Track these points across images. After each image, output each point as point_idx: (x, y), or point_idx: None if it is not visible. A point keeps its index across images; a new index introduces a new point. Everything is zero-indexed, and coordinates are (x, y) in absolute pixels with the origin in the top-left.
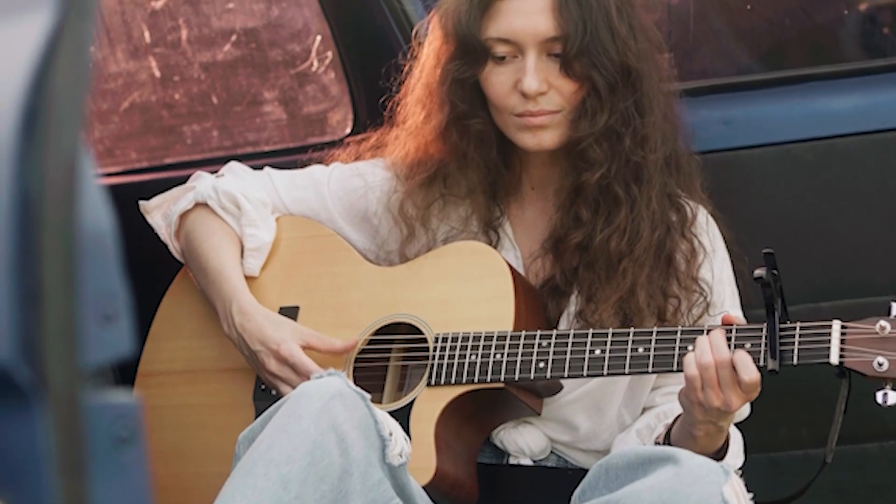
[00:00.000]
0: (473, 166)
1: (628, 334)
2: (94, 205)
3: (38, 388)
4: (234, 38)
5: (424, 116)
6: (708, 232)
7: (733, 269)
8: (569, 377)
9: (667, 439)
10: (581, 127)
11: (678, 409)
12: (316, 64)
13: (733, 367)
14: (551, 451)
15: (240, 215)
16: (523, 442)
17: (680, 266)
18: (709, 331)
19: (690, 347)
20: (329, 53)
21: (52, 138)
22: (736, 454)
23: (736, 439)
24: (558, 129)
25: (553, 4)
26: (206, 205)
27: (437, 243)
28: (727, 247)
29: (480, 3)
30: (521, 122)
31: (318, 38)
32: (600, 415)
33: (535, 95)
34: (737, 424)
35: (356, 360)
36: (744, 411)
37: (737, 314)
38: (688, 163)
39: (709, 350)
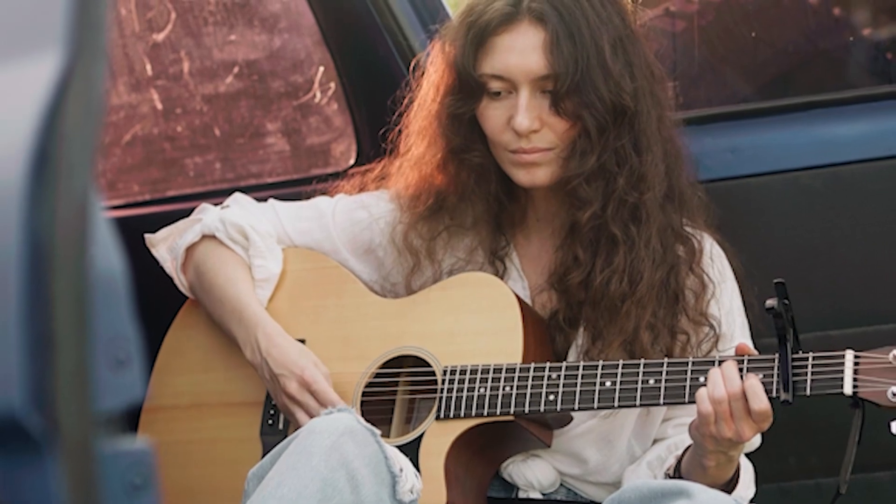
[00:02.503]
0: (475, 198)
1: (639, 366)
2: (106, 248)
3: (50, 436)
4: (236, 69)
5: (425, 147)
6: (715, 264)
7: (742, 298)
8: (579, 409)
9: (677, 471)
10: (571, 166)
11: (689, 440)
12: (319, 95)
13: (744, 397)
14: (561, 484)
15: (248, 246)
16: (532, 475)
17: (689, 302)
18: (721, 362)
19: (702, 379)
20: (332, 84)
21: (63, 181)
22: (747, 485)
23: (747, 469)
24: (551, 166)
25: (545, 42)
26: (213, 237)
27: (443, 274)
28: (735, 274)
29: (475, 38)
30: (514, 158)
31: (321, 69)
32: (610, 447)
33: (526, 133)
34: (747, 455)
35: (363, 394)
36: (755, 442)
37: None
38: (691, 198)
39: (721, 383)
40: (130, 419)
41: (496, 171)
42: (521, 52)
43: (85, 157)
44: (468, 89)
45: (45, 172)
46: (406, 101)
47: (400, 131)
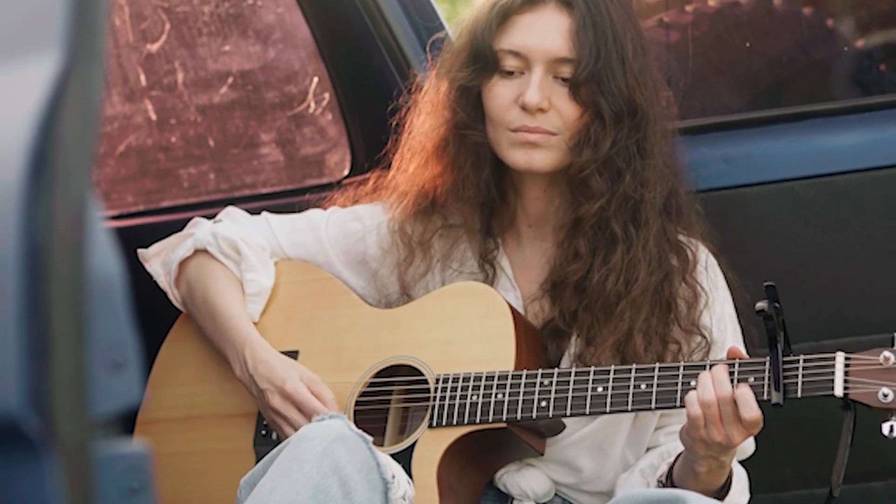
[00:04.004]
0: (468, 186)
1: (630, 371)
2: (103, 253)
3: (47, 438)
4: (230, 80)
5: (430, 123)
6: (708, 273)
7: (735, 307)
8: (571, 415)
9: (669, 478)
10: (584, 153)
11: (681, 448)
12: (313, 105)
13: (735, 403)
14: (555, 494)
15: (240, 260)
16: (527, 485)
17: (681, 311)
18: (711, 366)
19: (693, 383)
20: (326, 95)
21: (60, 185)
22: (741, 492)
23: (741, 477)
24: (551, 152)
25: (570, 27)
26: (205, 251)
27: (434, 268)
28: (729, 285)
29: (499, 13)
30: (515, 137)
31: (315, 79)
32: (604, 456)
33: (534, 111)
34: (742, 462)
35: (357, 403)
36: (748, 448)
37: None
38: (688, 212)
39: (711, 386)
40: (125, 431)
41: (492, 157)
42: (543, 31)
43: (82, 161)
44: (482, 62)
45: (42, 176)
46: (415, 81)
47: (396, 141)
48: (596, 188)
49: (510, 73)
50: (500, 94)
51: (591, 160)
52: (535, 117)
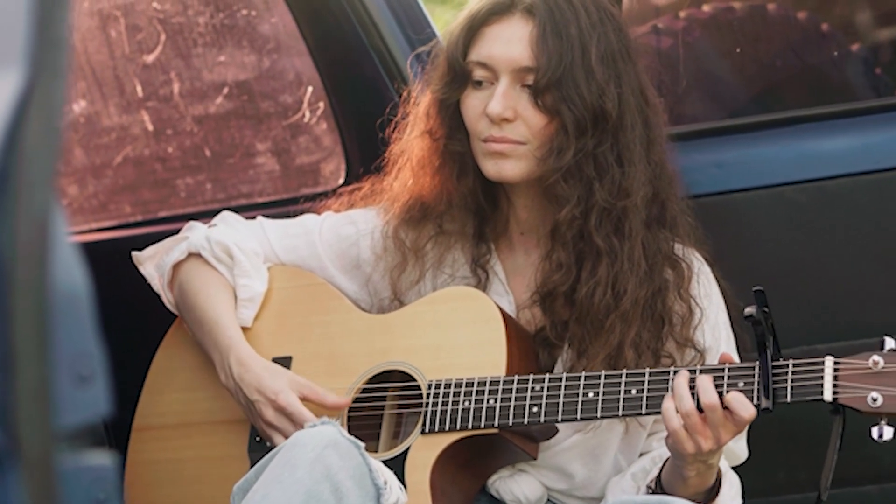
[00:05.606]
0: (456, 194)
1: (621, 376)
2: (68, 265)
3: (11, 452)
4: (226, 90)
5: (416, 135)
6: (701, 283)
7: (728, 314)
8: (562, 421)
9: (658, 483)
10: (548, 163)
11: None
12: (308, 115)
13: (726, 409)
14: (548, 500)
15: (233, 265)
16: (519, 491)
17: (675, 327)
18: (701, 371)
19: None
20: (321, 104)
21: (23, 199)
22: (733, 497)
23: (733, 483)
24: (521, 161)
25: (532, 35)
26: (199, 255)
27: (426, 275)
28: (722, 293)
29: (469, 27)
30: (485, 147)
31: (310, 88)
32: (596, 462)
33: (498, 120)
34: (735, 468)
35: (350, 409)
36: (742, 454)
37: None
38: (682, 221)
39: (687, 396)
40: (119, 438)
41: (475, 165)
42: (507, 42)
43: (45, 175)
44: (455, 76)
45: (4, 190)
46: (405, 94)
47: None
48: (562, 195)
49: (480, 84)
50: (471, 106)
51: (554, 169)
52: (502, 127)
